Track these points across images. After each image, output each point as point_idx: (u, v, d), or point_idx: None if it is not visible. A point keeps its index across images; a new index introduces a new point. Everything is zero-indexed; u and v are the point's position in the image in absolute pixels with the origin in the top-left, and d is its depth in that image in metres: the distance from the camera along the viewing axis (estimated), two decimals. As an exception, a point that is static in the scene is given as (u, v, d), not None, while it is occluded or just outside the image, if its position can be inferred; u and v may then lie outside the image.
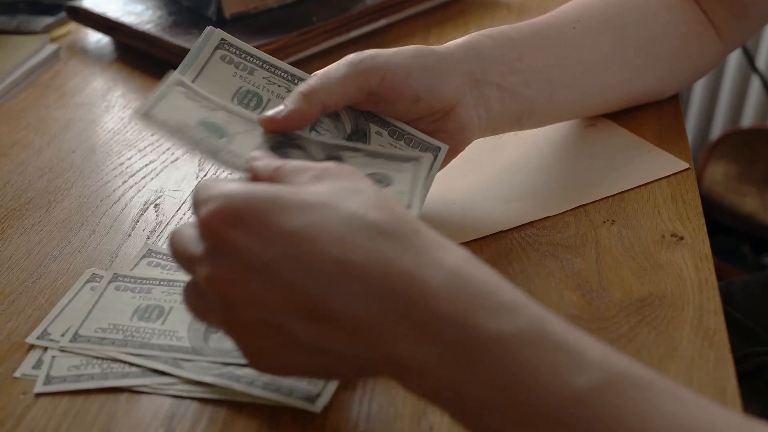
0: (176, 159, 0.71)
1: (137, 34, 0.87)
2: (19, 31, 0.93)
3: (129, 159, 0.72)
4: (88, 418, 0.46)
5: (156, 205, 0.65)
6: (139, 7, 0.91)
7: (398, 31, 0.92)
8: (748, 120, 1.78)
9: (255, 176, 0.46)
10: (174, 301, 0.53)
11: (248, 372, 0.48)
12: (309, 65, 0.81)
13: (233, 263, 0.40)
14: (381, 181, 0.52)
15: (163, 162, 0.71)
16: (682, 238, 0.58)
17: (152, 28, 0.86)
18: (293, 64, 0.59)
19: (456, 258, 0.40)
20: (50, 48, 0.89)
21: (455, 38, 0.61)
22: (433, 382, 0.38)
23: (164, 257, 0.58)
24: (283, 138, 0.53)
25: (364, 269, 0.39)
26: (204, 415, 0.47)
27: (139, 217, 0.64)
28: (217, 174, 0.69)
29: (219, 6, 0.86)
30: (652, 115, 0.72)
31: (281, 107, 0.53)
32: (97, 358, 0.50)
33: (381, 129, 0.57)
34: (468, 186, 0.65)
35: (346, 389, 0.48)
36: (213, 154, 0.50)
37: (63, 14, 0.95)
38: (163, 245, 0.60)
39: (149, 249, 0.59)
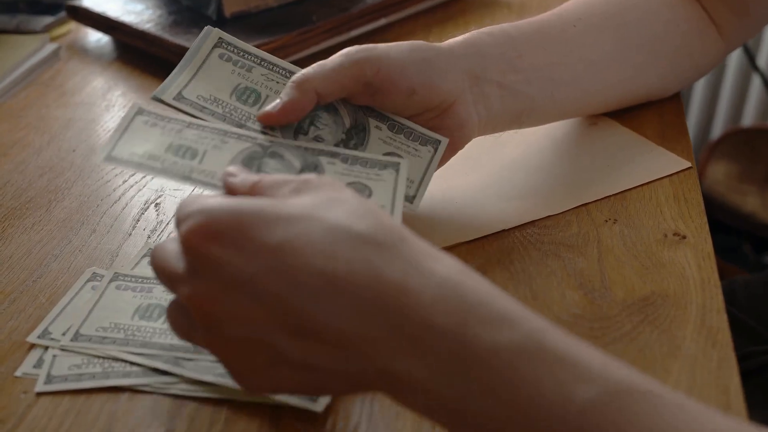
0: (177, 158, 0.71)
1: (137, 33, 0.86)
2: (19, 31, 0.93)
3: (129, 158, 0.71)
4: (89, 418, 0.46)
5: (157, 205, 0.65)
6: (139, 7, 0.91)
7: (399, 31, 0.92)
8: (748, 119, 1.78)
9: (232, 193, 0.45)
10: (175, 300, 0.53)
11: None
12: (309, 64, 0.81)
13: (216, 280, 0.39)
14: (361, 192, 0.51)
15: (164, 161, 0.71)
16: (684, 237, 0.58)
17: (152, 27, 0.86)
18: (293, 63, 0.59)
19: (447, 268, 0.38)
20: (50, 47, 0.89)
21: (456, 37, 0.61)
22: (429, 396, 0.37)
23: (165, 256, 0.58)
24: (258, 148, 0.52)
25: (350, 280, 0.37)
26: (205, 415, 0.46)
27: (140, 216, 0.64)
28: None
29: (219, 5, 0.85)
30: (653, 114, 0.72)
31: (277, 101, 0.54)
32: (98, 357, 0.50)
33: (380, 123, 0.57)
34: (468, 184, 0.65)
35: (347, 388, 0.48)
36: (185, 177, 0.49)
37: (63, 13, 0.95)
38: (163, 244, 0.60)
39: (150, 248, 0.59)
